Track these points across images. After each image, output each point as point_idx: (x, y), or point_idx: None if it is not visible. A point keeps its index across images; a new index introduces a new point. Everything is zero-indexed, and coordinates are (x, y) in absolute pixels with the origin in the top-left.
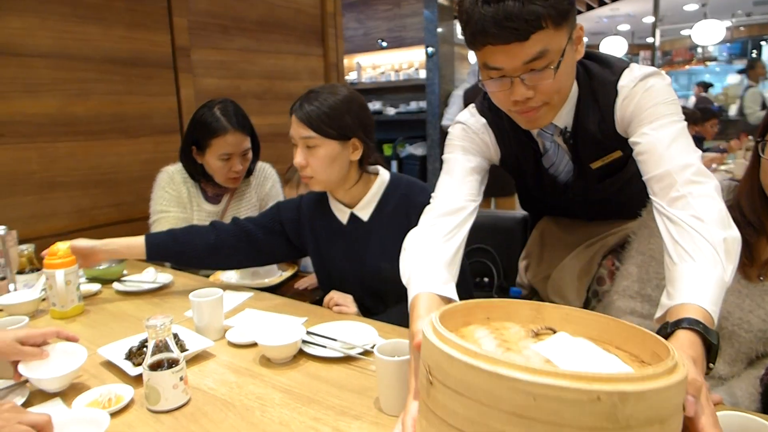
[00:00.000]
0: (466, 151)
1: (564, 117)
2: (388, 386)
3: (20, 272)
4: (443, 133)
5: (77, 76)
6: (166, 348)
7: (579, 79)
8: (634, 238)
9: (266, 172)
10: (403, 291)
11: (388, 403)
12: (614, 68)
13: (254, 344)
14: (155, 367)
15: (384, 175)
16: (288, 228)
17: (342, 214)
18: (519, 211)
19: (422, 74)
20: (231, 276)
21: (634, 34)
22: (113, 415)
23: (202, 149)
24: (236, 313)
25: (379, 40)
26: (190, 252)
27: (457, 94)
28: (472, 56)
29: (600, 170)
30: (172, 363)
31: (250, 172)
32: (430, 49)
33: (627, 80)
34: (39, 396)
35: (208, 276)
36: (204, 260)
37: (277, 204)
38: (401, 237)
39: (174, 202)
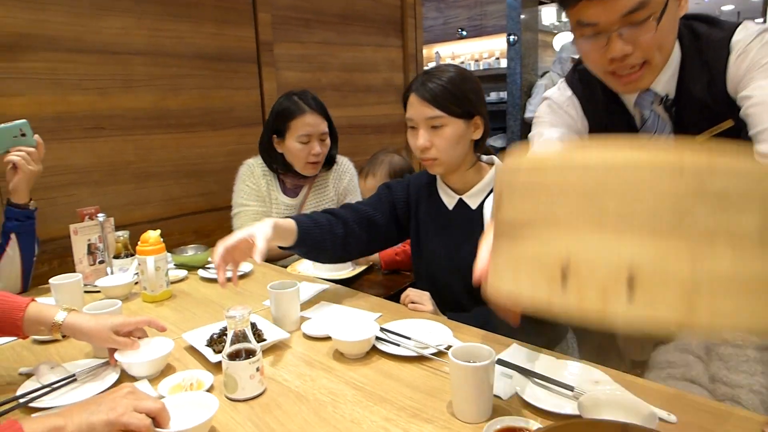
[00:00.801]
0: (551, 125)
1: (664, 83)
2: (462, 392)
3: (116, 257)
4: (526, 126)
5: (170, 72)
6: (244, 338)
7: (682, 40)
8: None
9: (344, 165)
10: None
11: (461, 408)
12: (725, 26)
13: (328, 338)
14: (233, 356)
15: (499, 165)
16: (399, 207)
17: (449, 199)
18: None
19: (503, 64)
20: (308, 267)
21: (739, 15)
22: None
23: (282, 135)
24: (312, 305)
25: (459, 29)
26: (326, 245)
27: (542, 84)
28: (557, 43)
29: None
30: (250, 353)
31: (331, 162)
32: (512, 38)
33: (742, 35)
34: (127, 377)
35: (286, 267)
36: (335, 253)
37: (386, 185)
38: None
39: (253, 196)
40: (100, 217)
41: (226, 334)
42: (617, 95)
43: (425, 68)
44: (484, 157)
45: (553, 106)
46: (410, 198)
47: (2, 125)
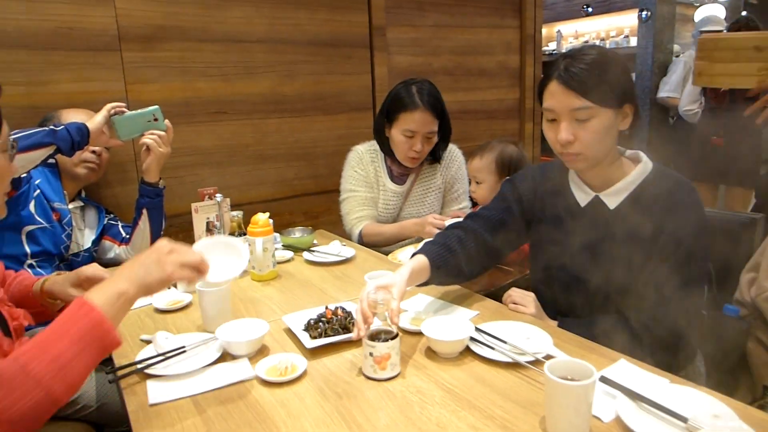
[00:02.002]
0: None
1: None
2: (557, 409)
3: (230, 235)
4: (658, 107)
5: (287, 59)
6: (384, 320)
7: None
8: None
9: (453, 153)
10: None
11: (554, 427)
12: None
13: (421, 333)
14: (373, 337)
15: (647, 163)
16: (525, 200)
17: (583, 195)
18: (747, 213)
19: (633, 42)
20: (408, 256)
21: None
22: (286, 383)
23: (391, 122)
24: (409, 296)
25: (584, 6)
26: (461, 268)
27: (680, 61)
28: (699, 15)
29: None
30: (389, 336)
31: (438, 159)
32: (644, 13)
33: None
34: (228, 354)
35: (387, 254)
36: (473, 271)
37: (509, 180)
38: (650, 240)
39: (362, 182)
40: (218, 197)
41: (322, 320)
42: None
43: (564, 51)
44: (628, 152)
45: None
46: (537, 190)
47: (138, 111)
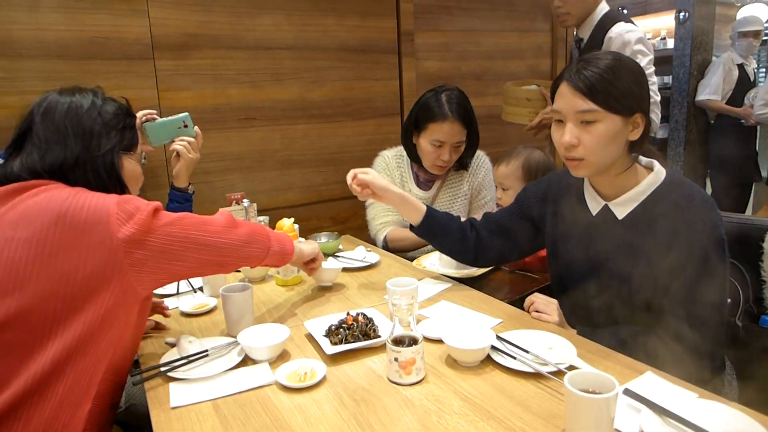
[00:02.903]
0: None
1: None
2: (577, 423)
3: None
4: (697, 110)
5: (315, 65)
6: (407, 326)
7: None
8: None
9: (480, 160)
10: (636, 311)
11: None
12: None
13: (441, 341)
14: (397, 342)
15: (659, 173)
16: (534, 208)
17: (594, 204)
18: None
19: (670, 44)
20: (433, 263)
21: None
22: (305, 389)
23: (419, 130)
24: (431, 303)
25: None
26: (452, 233)
27: (720, 62)
28: (740, 15)
29: None
30: (413, 342)
31: (465, 166)
32: (682, 14)
33: None
34: (249, 359)
35: (413, 260)
36: (464, 246)
37: (524, 188)
38: (658, 254)
39: None
40: (245, 202)
41: (343, 327)
42: None
43: (581, 57)
44: (643, 160)
45: None
46: (549, 196)
47: (168, 118)
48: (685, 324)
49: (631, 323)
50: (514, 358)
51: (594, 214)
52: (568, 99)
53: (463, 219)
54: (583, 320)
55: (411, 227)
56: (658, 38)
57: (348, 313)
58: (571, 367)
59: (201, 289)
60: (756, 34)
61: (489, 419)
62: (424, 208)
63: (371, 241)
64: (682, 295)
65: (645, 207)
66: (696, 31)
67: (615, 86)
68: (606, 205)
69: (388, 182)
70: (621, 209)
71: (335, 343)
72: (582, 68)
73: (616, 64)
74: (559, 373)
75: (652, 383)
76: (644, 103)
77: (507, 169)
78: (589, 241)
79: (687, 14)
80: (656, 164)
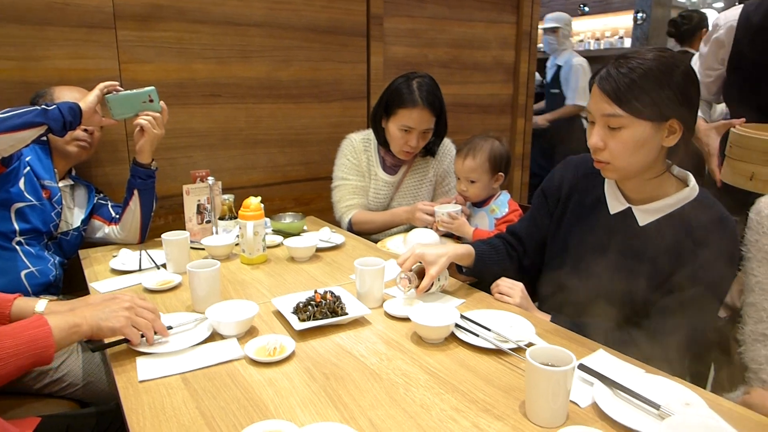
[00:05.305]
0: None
1: None
2: (537, 394)
3: (221, 218)
4: None
5: (283, 44)
6: None
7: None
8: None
9: (446, 147)
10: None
11: (534, 410)
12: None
13: (408, 319)
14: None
15: (693, 189)
16: (551, 203)
17: (615, 203)
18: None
19: (627, 43)
20: (398, 245)
21: None
22: (274, 363)
23: (389, 115)
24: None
25: (581, 5)
26: (504, 265)
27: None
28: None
29: None
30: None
31: (432, 153)
32: (639, 15)
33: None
34: (217, 334)
35: (377, 241)
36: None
37: (542, 190)
38: (669, 269)
39: (354, 170)
40: (210, 180)
41: (311, 304)
42: None
43: (622, 53)
44: (676, 170)
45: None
46: (564, 182)
47: (134, 91)
48: (672, 337)
49: (615, 324)
50: (477, 335)
51: (613, 212)
52: (596, 100)
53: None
54: (565, 309)
55: (459, 268)
56: (616, 36)
57: (316, 291)
58: (530, 344)
59: (164, 266)
60: (553, 30)
61: (453, 392)
62: (473, 251)
63: (336, 223)
64: (676, 312)
65: (671, 219)
66: (651, 32)
67: (646, 91)
68: (630, 208)
69: (435, 252)
70: (645, 216)
71: (303, 320)
72: (614, 68)
73: (653, 65)
74: (518, 350)
75: (604, 359)
76: (683, 107)
77: (474, 163)
78: (600, 240)
79: (644, 15)
80: (691, 179)
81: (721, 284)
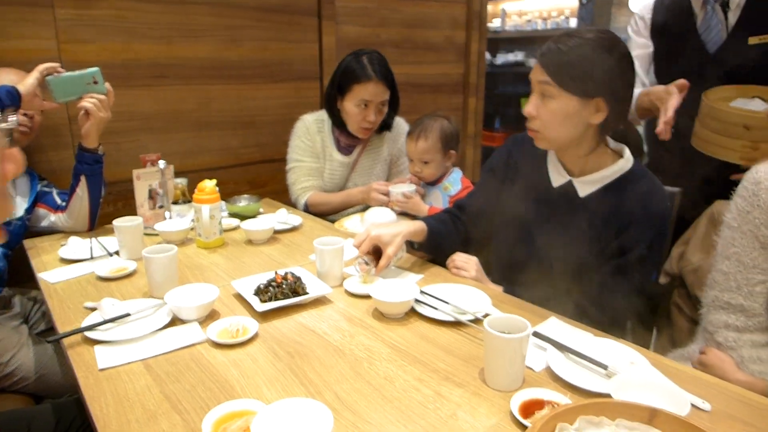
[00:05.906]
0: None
1: None
2: (494, 361)
3: (174, 203)
4: None
5: (231, 23)
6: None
7: None
8: (718, 241)
9: (400, 127)
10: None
11: (492, 376)
12: None
13: (369, 296)
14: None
15: (627, 160)
16: (499, 175)
17: (557, 177)
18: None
19: (572, 23)
20: (355, 224)
21: None
22: (238, 345)
23: (343, 94)
24: (355, 263)
25: None
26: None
27: None
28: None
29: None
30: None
31: (388, 127)
32: None
33: None
34: (177, 319)
35: (334, 222)
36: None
37: (489, 166)
38: (607, 237)
39: (308, 152)
40: (161, 164)
41: (272, 285)
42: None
43: (569, 30)
44: (612, 144)
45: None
46: (510, 158)
47: (76, 72)
48: (611, 302)
49: (562, 292)
50: (436, 309)
51: (555, 185)
52: (535, 70)
53: (389, 185)
54: (514, 279)
55: (411, 244)
56: (562, 17)
57: (276, 272)
58: (486, 315)
59: (117, 253)
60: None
61: (415, 363)
62: (425, 227)
63: (291, 204)
64: (614, 277)
65: (608, 190)
66: (596, 13)
67: (576, 67)
68: (570, 181)
69: (389, 232)
70: (585, 187)
71: (265, 301)
72: (555, 43)
73: (588, 44)
74: (476, 321)
75: (556, 326)
76: (607, 89)
77: (427, 144)
78: (543, 212)
79: None
80: (626, 151)
81: (654, 249)
